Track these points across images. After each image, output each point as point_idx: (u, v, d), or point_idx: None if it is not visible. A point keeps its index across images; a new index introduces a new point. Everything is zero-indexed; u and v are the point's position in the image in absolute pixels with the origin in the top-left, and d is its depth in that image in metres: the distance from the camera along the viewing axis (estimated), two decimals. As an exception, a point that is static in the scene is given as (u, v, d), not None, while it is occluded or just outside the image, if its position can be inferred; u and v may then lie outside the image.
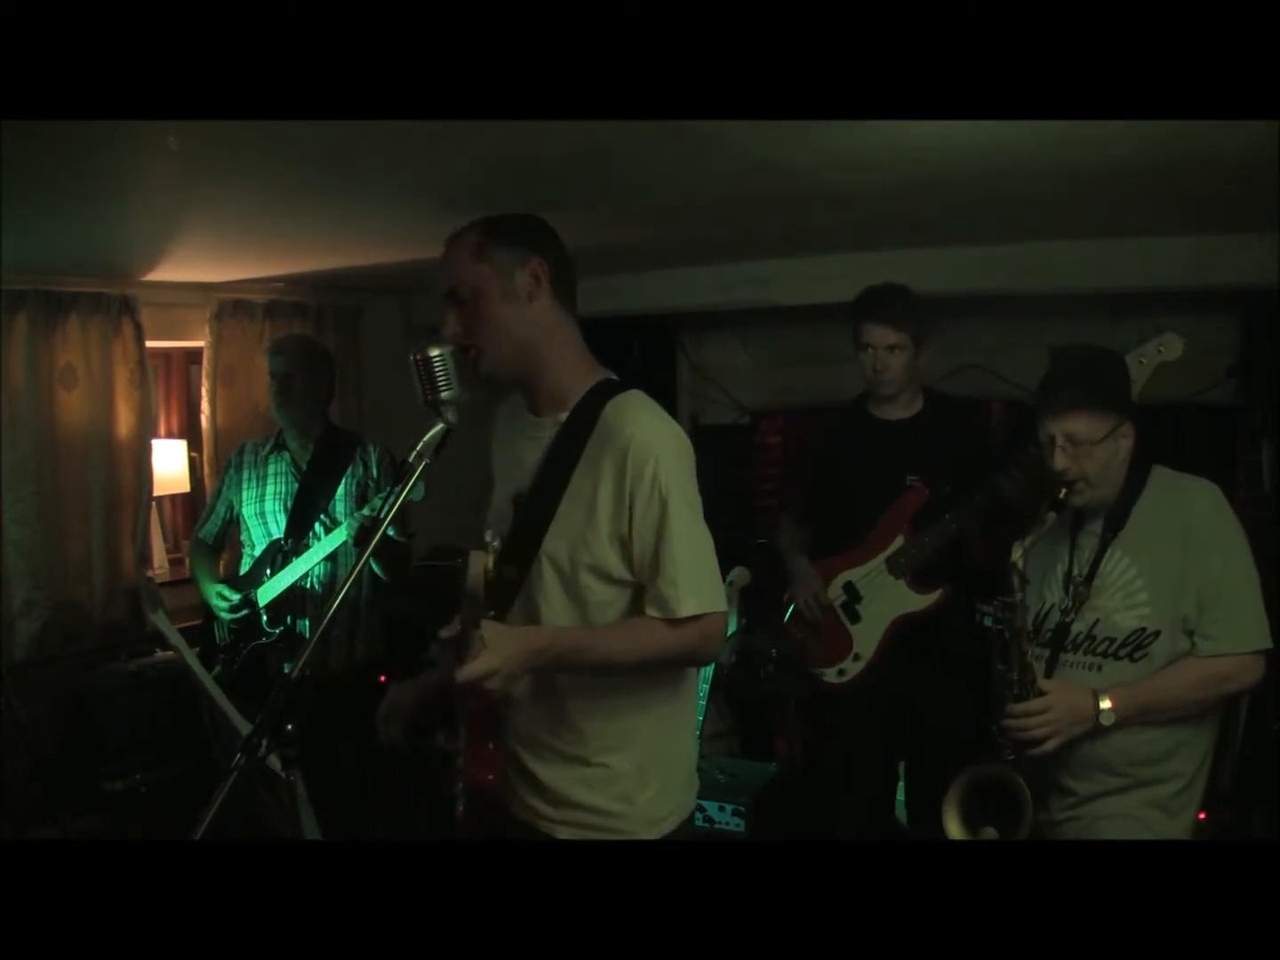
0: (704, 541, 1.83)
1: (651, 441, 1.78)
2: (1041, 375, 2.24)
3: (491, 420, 2.08)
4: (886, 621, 2.93)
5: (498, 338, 1.83)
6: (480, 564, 1.51)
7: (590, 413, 1.83)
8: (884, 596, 2.93)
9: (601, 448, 1.80)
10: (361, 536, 3.06)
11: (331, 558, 3.28)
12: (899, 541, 2.92)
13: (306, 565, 3.27)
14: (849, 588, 2.99)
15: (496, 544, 1.65)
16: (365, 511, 3.16)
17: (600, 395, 1.84)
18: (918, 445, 2.94)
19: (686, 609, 1.75)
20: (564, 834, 1.88)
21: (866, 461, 2.97)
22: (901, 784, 3.24)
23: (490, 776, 1.90)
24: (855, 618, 2.98)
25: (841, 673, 2.98)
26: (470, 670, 1.59)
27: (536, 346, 1.86)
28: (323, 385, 3.44)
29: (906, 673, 2.94)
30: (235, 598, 3.33)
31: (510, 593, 1.84)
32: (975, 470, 2.77)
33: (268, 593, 3.32)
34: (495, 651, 1.61)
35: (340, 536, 3.20)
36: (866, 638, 2.96)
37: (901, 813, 3.28)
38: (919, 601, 2.91)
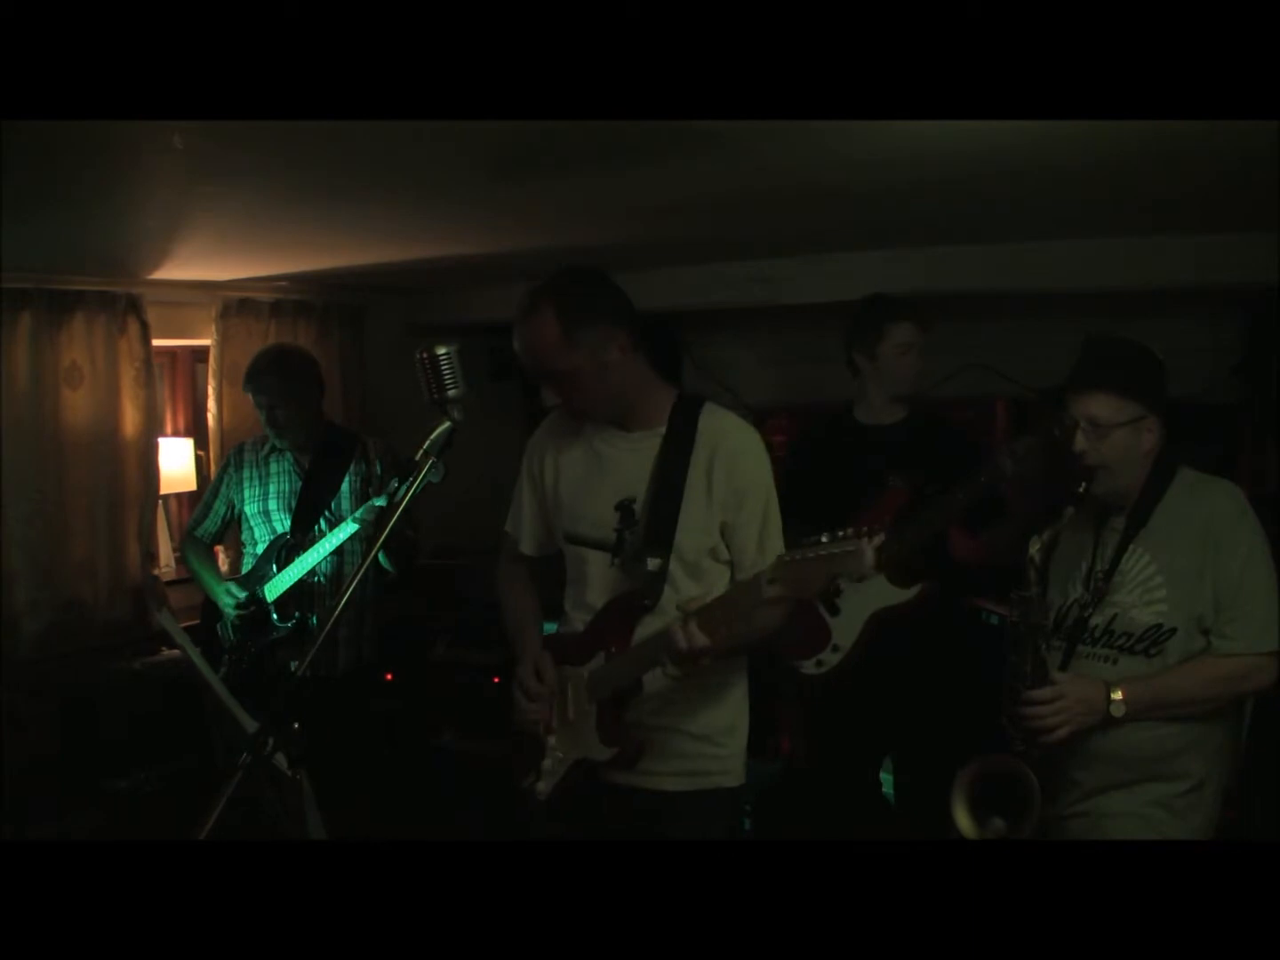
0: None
1: (751, 448, 2.18)
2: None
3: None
4: (865, 615, 2.97)
5: (595, 400, 2.13)
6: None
7: (687, 426, 2.16)
8: (864, 590, 2.95)
9: (710, 454, 2.13)
10: (379, 523, 3.05)
11: (338, 552, 3.28)
12: (880, 538, 2.93)
13: (315, 559, 3.26)
14: None
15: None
16: (379, 502, 3.13)
17: (689, 409, 2.19)
18: (903, 449, 2.99)
19: None
20: (669, 785, 2.15)
21: (852, 465, 3.02)
22: (888, 777, 3.30)
23: (635, 740, 2.12)
24: (835, 610, 3.02)
25: (820, 664, 3.03)
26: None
27: (624, 393, 2.15)
28: (311, 397, 3.40)
29: (889, 666, 2.97)
30: (243, 595, 3.33)
31: (661, 584, 2.11)
32: (957, 472, 2.81)
33: (275, 588, 3.32)
34: None
35: (349, 529, 3.19)
36: (845, 630, 3.00)
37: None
38: (899, 595, 2.94)
